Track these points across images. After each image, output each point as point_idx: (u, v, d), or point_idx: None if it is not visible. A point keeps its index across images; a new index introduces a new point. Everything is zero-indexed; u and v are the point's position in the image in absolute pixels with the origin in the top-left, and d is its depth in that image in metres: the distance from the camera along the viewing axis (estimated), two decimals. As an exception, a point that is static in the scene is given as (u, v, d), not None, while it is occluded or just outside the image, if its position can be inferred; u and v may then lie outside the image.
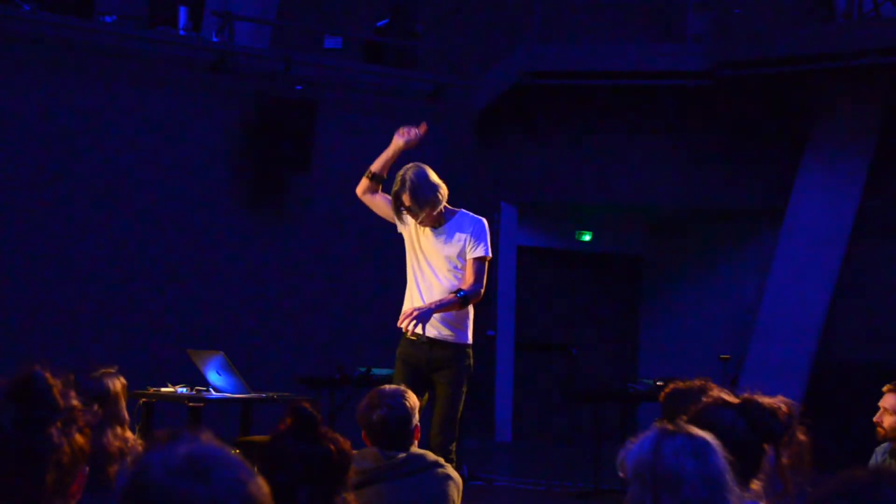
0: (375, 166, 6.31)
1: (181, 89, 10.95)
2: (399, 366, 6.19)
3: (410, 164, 6.15)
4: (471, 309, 6.19)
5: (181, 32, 11.15)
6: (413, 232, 6.20)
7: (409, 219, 6.16)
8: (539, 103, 13.47)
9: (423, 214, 6.07)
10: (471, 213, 6.29)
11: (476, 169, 13.38)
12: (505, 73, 12.97)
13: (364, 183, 6.30)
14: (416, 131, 6.33)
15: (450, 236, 6.16)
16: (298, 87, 11.22)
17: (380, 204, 6.28)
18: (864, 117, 12.93)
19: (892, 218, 12.90)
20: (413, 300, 6.16)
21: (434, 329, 6.09)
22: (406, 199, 6.04)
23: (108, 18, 10.89)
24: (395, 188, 6.09)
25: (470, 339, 6.22)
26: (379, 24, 12.68)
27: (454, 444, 6.02)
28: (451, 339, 6.14)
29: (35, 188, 10.26)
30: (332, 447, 2.82)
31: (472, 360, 6.20)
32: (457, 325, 6.15)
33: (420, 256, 6.18)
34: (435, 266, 6.15)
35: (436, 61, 13.23)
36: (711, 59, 12.68)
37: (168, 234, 10.92)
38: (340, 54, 12.77)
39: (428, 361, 6.11)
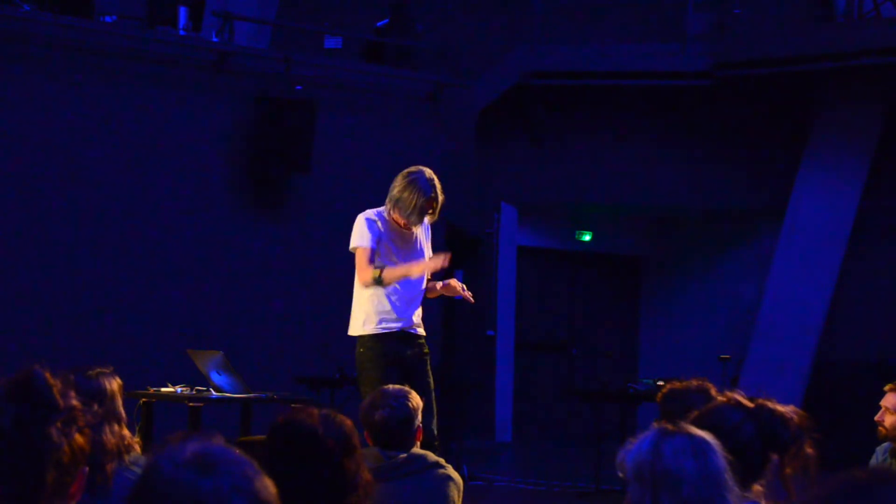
0: (390, 277, 6.07)
1: (181, 89, 10.94)
2: (383, 372, 6.00)
3: (423, 167, 6.14)
4: None
5: (181, 32, 11.14)
6: (387, 234, 6.18)
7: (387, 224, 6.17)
8: (539, 103, 13.46)
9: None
10: None
11: (476, 169, 13.37)
12: (505, 73, 12.97)
13: (372, 277, 6.05)
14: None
15: (422, 237, 6.32)
16: (298, 87, 11.22)
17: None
18: (864, 117, 12.92)
19: (892, 218, 12.90)
20: (393, 299, 6.15)
21: (418, 322, 6.28)
22: (439, 202, 6.10)
23: (108, 18, 10.88)
24: (428, 194, 6.01)
25: None
26: (379, 24, 12.67)
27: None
28: (422, 331, 6.34)
29: (34, 188, 10.26)
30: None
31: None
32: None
33: (396, 258, 6.18)
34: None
35: (436, 61, 13.22)
36: (711, 59, 12.68)
37: (168, 234, 10.92)
38: (340, 54, 12.77)
39: (411, 356, 6.20)
